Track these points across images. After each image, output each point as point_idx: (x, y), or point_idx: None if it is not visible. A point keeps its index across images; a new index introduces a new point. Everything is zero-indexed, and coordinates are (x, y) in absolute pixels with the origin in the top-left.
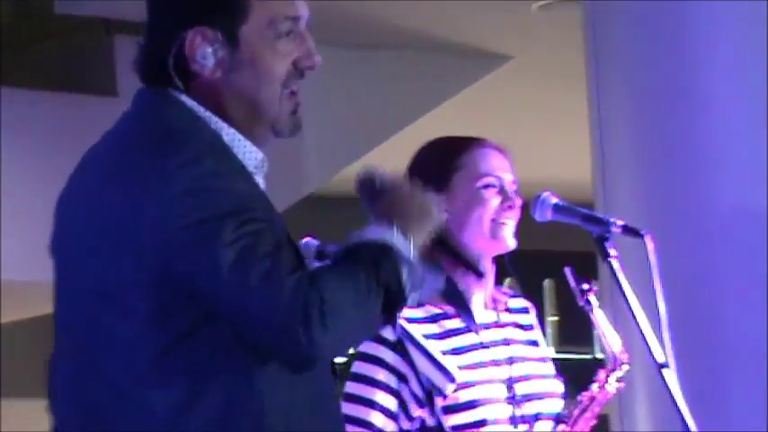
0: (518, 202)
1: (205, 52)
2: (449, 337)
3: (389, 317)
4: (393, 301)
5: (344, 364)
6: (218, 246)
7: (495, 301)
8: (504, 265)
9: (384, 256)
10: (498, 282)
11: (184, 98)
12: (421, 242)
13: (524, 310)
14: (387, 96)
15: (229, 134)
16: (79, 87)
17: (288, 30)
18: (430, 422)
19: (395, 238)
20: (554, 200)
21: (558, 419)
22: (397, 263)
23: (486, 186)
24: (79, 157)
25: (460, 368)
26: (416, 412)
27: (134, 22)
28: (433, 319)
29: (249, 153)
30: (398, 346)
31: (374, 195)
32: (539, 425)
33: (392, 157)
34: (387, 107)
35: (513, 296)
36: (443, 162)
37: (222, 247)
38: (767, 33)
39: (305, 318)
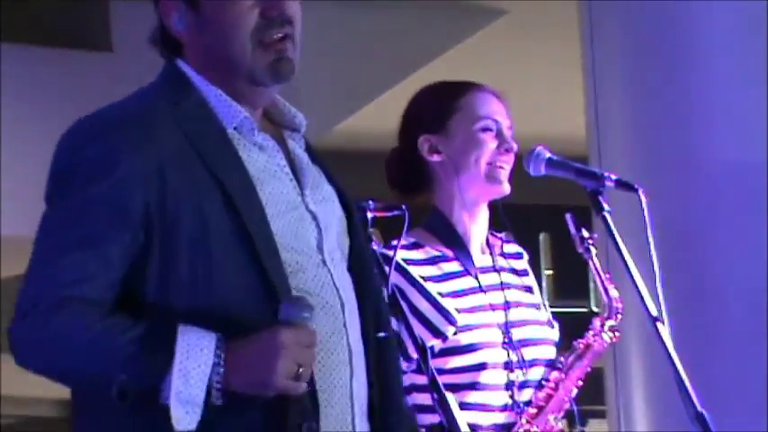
0: (514, 146)
1: (175, 19)
2: (447, 279)
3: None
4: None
5: None
6: (48, 212)
7: (490, 245)
8: (499, 216)
9: (156, 344)
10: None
11: (182, 64)
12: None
13: (518, 256)
14: (381, 51)
15: (216, 95)
16: (75, 43)
17: None
18: (419, 380)
19: (192, 354)
20: (548, 154)
21: (552, 366)
22: (157, 367)
23: (484, 129)
24: (76, 111)
25: (459, 311)
26: (415, 354)
27: None
28: (432, 261)
29: (230, 112)
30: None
31: None
32: (533, 371)
33: (387, 112)
34: (382, 62)
35: (507, 241)
36: (441, 104)
37: (48, 216)
38: None
39: (20, 317)
